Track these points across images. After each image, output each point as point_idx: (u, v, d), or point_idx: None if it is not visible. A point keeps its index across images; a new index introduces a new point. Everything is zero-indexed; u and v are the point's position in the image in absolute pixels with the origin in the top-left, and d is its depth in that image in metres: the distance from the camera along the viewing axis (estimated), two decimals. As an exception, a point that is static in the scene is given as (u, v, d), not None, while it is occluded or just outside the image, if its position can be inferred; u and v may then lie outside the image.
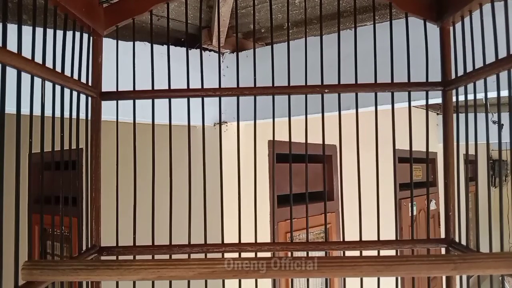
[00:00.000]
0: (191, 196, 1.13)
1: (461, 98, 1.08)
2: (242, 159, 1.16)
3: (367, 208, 1.14)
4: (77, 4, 0.98)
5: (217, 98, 1.19)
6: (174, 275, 0.75)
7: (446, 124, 1.12)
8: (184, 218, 1.12)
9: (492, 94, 0.95)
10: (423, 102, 1.20)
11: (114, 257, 1.09)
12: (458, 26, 1.04)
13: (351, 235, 1.13)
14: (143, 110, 1.18)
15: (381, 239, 1.11)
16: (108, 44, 1.18)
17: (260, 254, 1.13)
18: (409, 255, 0.77)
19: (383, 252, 0.95)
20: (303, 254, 1.13)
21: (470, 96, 1.00)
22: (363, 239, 1.12)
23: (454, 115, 1.11)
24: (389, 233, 1.19)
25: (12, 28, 0.75)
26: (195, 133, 1.20)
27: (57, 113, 0.92)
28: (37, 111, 0.84)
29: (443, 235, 1.13)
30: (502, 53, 0.86)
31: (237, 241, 1.13)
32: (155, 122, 1.14)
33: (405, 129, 1.12)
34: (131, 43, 1.17)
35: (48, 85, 0.89)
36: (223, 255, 1.13)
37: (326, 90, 1.14)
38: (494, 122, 1.02)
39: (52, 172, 0.91)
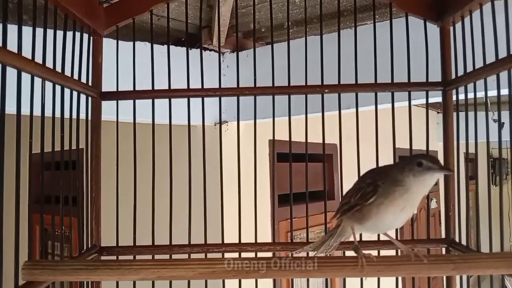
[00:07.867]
0: (191, 196, 1.13)
1: (461, 97, 1.08)
2: (242, 159, 1.16)
3: (367, 207, 1.14)
4: (77, 4, 0.98)
5: (218, 98, 1.19)
6: (174, 275, 0.75)
7: (446, 123, 1.12)
8: (184, 218, 1.12)
9: (492, 93, 0.95)
10: (423, 101, 1.20)
11: (114, 257, 1.09)
12: (458, 26, 1.04)
13: (351, 234, 1.13)
14: (143, 110, 1.18)
15: (381, 239, 1.11)
16: (108, 44, 1.18)
17: (260, 254, 1.13)
18: (409, 255, 0.77)
19: (383, 252, 0.96)
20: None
21: (470, 95, 1.00)
22: (363, 239, 1.12)
23: (454, 114, 1.11)
24: (388, 233, 1.18)
25: (12, 28, 0.75)
26: (195, 133, 1.20)
27: (57, 113, 0.93)
28: (37, 111, 0.84)
29: (443, 234, 1.13)
30: (502, 53, 0.85)
31: (237, 241, 1.13)
32: (155, 122, 1.14)
33: (405, 128, 1.12)
34: (131, 43, 1.17)
35: (48, 85, 0.89)
36: (223, 255, 1.13)
37: (326, 90, 1.14)
38: (494, 121, 1.02)
39: (52, 172, 0.91)
